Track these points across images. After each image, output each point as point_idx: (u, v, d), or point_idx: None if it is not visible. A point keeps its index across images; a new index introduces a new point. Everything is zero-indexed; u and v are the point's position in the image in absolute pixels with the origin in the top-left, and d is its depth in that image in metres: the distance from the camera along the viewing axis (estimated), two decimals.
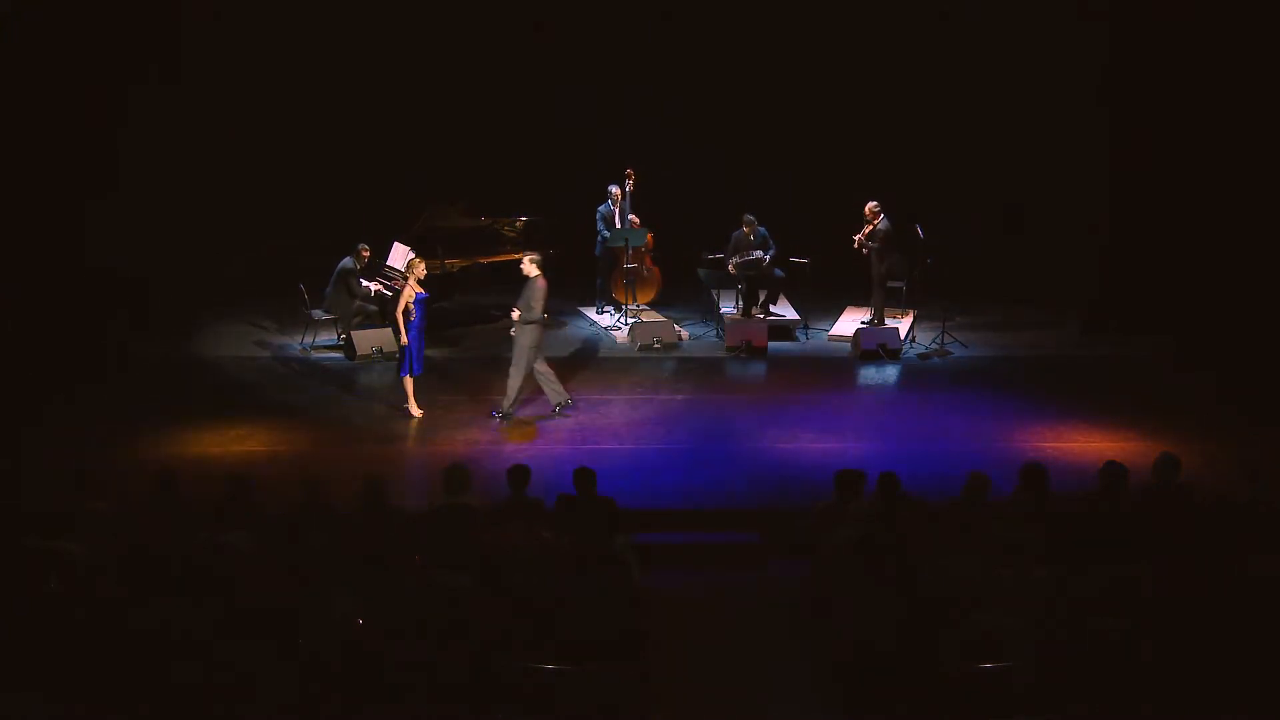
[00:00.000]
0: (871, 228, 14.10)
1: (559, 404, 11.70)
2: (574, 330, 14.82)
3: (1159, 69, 14.04)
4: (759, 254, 14.18)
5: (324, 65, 15.35)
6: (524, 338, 11.40)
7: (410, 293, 11.31)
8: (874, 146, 15.58)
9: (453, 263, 14.18)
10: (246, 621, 6.90)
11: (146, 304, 13.92)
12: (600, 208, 14.82)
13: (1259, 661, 7.10)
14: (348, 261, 13.58)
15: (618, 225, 14.70)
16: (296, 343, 13.80)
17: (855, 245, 14.19)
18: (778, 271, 14.40)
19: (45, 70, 12.64)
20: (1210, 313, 13.90)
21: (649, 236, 14.73)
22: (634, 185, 14.78)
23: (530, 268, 11.39)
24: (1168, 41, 13.88)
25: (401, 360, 11.50)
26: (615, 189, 14.77)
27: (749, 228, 14.27)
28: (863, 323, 14.39)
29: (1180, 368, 13.50)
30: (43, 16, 12.51)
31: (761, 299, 14.61)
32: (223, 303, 14.84)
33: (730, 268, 14.24)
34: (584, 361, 13.56)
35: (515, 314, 11.46)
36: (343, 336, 13.59)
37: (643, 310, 14.82)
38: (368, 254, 13.63)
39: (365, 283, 13.75)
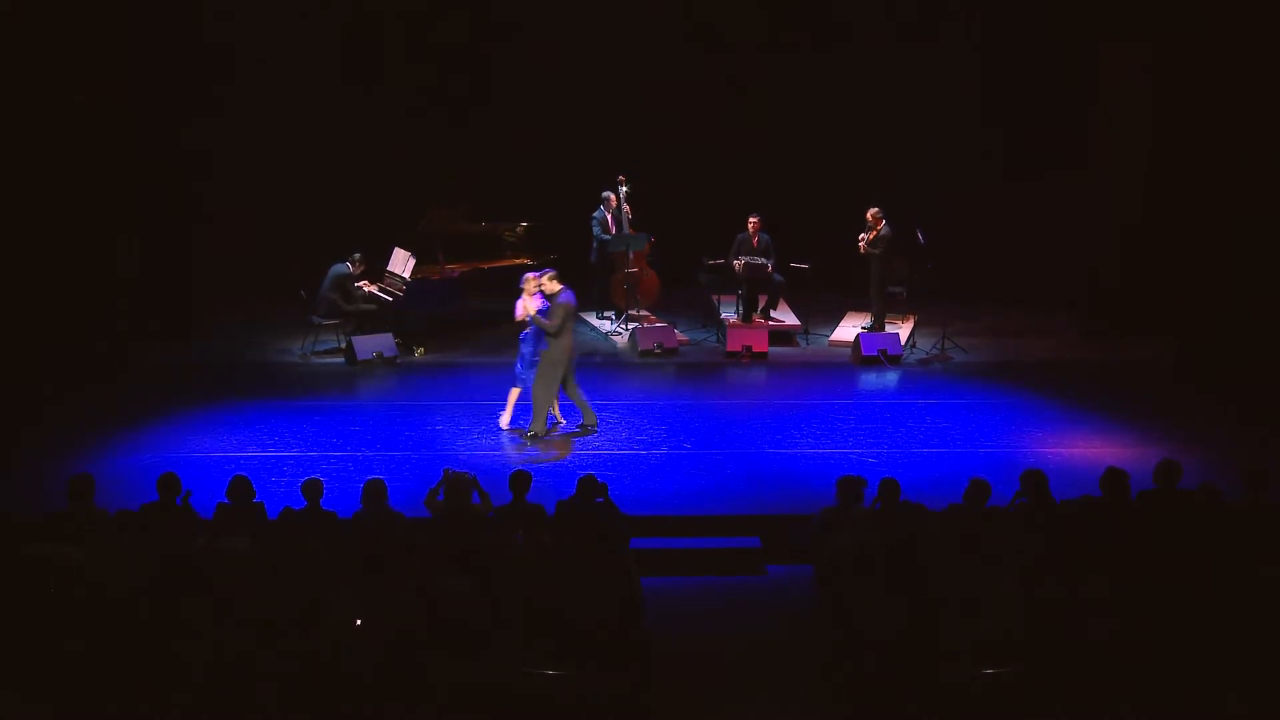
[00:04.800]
0: (875, 233, 14.08)
1: None
2: (575, 336, 14.75)
3: (1158, 68, 14.04)
4: (761, 259, 14.17)
5: (322, 65, 15.31)
6: None
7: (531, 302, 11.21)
8: (874, 148, 15.54)
9: (453, 266, 14.17)
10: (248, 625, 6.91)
11: (147, 306, 13.88)
12: (595, 214, 14.79)
13: (1259, 663, 7.11)
14: (343, 267, 13.55)
15: (613, 231, 14.67)
16: (297, 347, 13.78)
17: (861, 250, 14.16)
18: (777, 276, 14.40)
19: (46, 70, 12.63)
20: (1211, 316, 13.87)
21: (649, 241, 14.69)
22: (627, 190, 14.74)
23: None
24: (1166, 40, 13.87)
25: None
26: (610, 194, 14.74)
27: (754, 229, 14.27)
28: (863, 328, 14.38)
29: (1181, 372, 13.50)
30: (43, 15, 12.49)
31: (762, 304, 14.61)
32: (223, 305, 14.82)
33: (736, 266, 14.24)
34: (584, 366, 13.52)
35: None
36: (343, 341, 13.58)
37: (643, 315, 14.80)
38: (364, 265, 13.61)
39: (364, 285, 13.74)
